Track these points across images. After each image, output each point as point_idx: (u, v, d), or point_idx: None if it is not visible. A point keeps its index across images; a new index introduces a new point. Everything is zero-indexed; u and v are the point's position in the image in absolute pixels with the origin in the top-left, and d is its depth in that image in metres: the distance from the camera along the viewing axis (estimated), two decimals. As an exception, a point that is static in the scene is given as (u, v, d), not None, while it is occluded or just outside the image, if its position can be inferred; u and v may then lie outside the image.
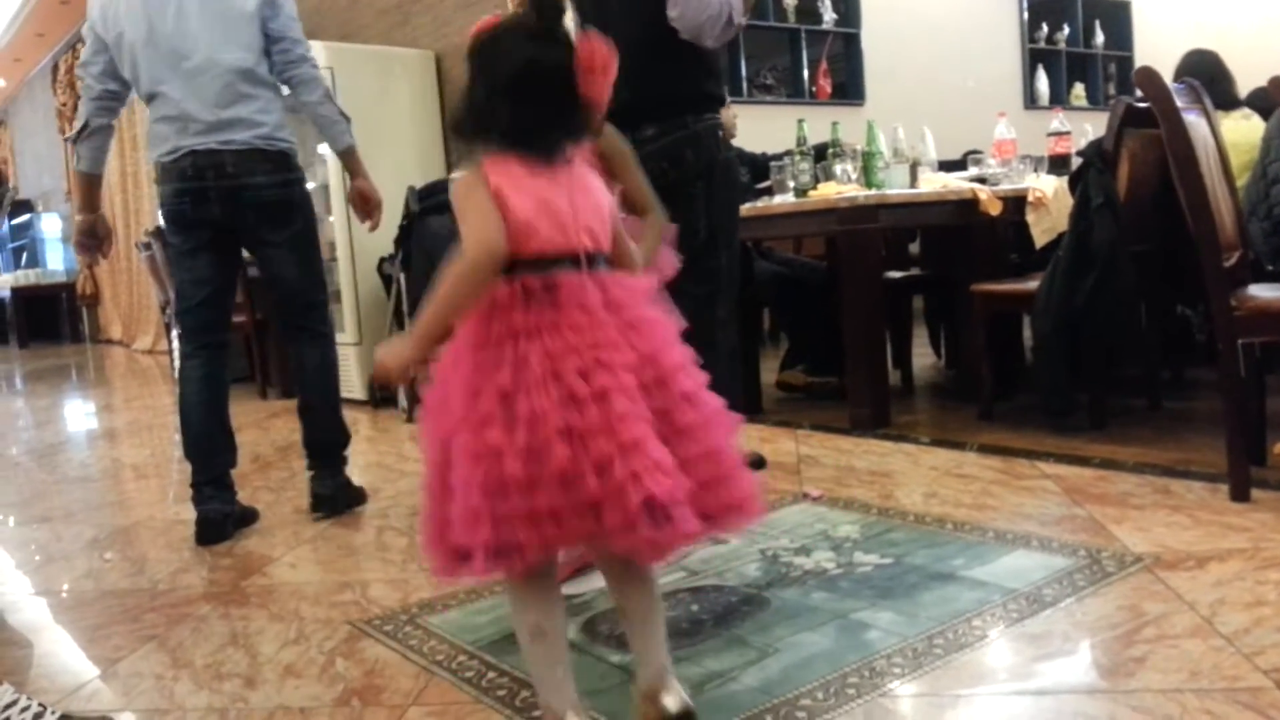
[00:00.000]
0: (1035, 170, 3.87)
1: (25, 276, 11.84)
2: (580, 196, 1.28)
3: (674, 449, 1.20)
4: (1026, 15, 7.68)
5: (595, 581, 2.04)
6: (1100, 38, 8.19)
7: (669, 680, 1.32)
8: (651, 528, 1.15)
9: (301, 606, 2.05)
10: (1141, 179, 2.98)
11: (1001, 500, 2.44)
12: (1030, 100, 7.63)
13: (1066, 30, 7.99)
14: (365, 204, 2.80)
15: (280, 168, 2.64)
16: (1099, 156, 2.92)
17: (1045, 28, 7.85)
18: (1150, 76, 2.21)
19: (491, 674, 1.64)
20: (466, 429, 1.19)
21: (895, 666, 1.56)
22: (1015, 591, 1.83)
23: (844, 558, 2.09)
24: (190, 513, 2.91)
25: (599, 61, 1.26)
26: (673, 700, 1.30)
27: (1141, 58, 7.99)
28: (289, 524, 2.73)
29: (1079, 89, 8.03)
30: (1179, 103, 2.22)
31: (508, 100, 1.25)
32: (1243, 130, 3.52)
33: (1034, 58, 7.76)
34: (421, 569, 2.23)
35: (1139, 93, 2.52)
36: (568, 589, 2.01)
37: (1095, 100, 8.00)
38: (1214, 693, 1.39)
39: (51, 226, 12.23)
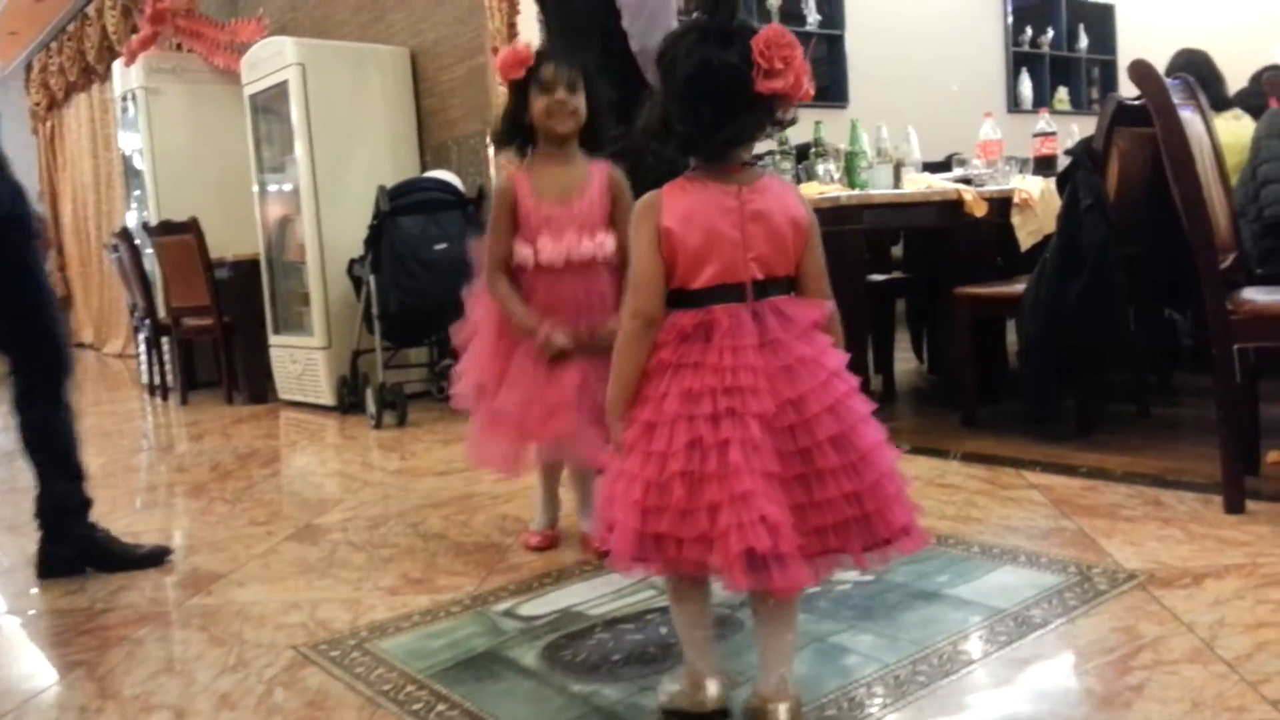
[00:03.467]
0: (1020, 171, 3.78)
1: (-5, 279, 11.61)
2: (754, 223, 1.30)
3: (812, 491, 1.26)
4: (1011, 19, 7.62)
5: (560, 601, 1.92)
6: (1084, 41, 8.14)
7: (786, 693, 1.35)
8: (748, 575, 1.21)
9: (245, 629, 1.92)
10: (1131, 179, 2.89)
11: (987, 512, 2.34)
12: (1014, 104, 7.57)
13: (1050, 34, 7.94)
14: None
15: None
16: (1088, 156, 2.83)
17: (1029, 31, 7.79)
18: (1145, 70, 2.12)
19: (441, 706, 1.51)
20: (624, 449, 1.32)
21: (875, 696, 1.45)
22: (1002, 611, 1.73)
23: (822, 574, 1.98)
24: (143, 526, 2.80)
25: (776, 56, 1.24)
26: (783, 715, 1.34)
27: (1125, 61, 7.92)
28: (242, 538, 2.60)
29: (1062, 93, 7.98)
30: (1174, 99, 2.12)
31: (682, 105, 1.28)
32: (1233, 131, 3.44)
33: (1018, 61, 7.70)
34: (376, 588, 2.11)
35: (1127, 92, 2.44)
36: (528, 610, 1.90)
37: (1079, 104, 7.94)
38: (1219, 727, 1.29)
39: (23, 228, 12.00)
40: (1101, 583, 1.82)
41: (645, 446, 1.28)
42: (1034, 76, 7.74)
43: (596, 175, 2.11)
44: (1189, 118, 2.17)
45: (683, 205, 1.31)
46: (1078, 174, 2.82)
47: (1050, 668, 1.52)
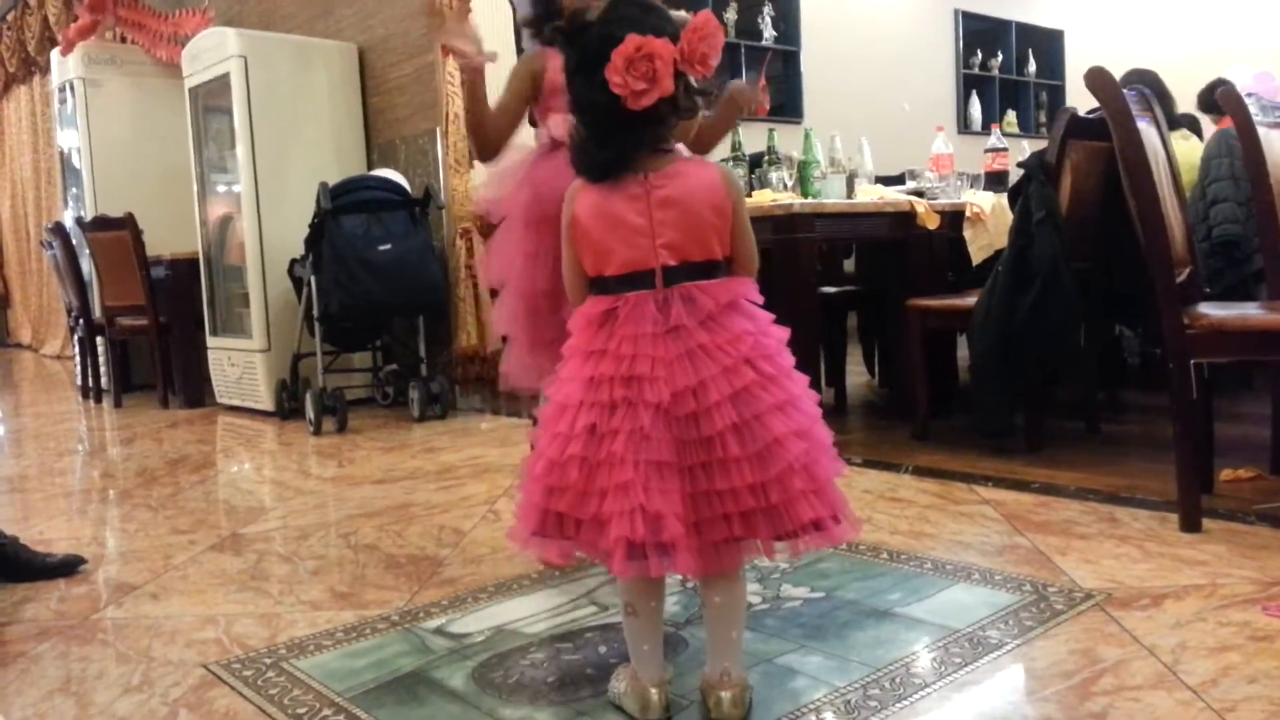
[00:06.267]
0: (972, 186, 3.76)
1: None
2: (662, 209, 1.28)
3: (713, 479, 1.24)
4: (961, 42, 7.70)
5: (494, 618, 1.82)
6: (1033, 66, 8.26)
7: (728, 682, 1.36)
8: (627, 562, 1.22)
9: (154, 645, 1.79)
10: (1084, 193, 2.87)
11: (939, 527, 2.28)
12: (964, 125, 7.64)
13: (1000, 57, 8.05)
14: None
15: None
16: (1041, 169, 2.80)
17: (980, 54, 7.89)
18: (1103, 77, 2.08)
19: (359, 730, 1.40)
20: (539, 428, 1.35)
21: (825, 722, 1.37)
22: (956, 632, 1.66)
23: (770, 590, 1.90)
24: (57, 533, 2.64)
25: (634, 78, 1.21)
26: (726, 702, 1.35)
27: (1073, 87, 8.05)
28: (162, 547, 2.45)
29: (1011, 116, 8.08)
30: (1132, 109, 2.09)
31: (578, 124, 1.32)
32: (1183, 151, 3.45)
33: (968, 84, 7.79)
34: (299, 602, 1.98)
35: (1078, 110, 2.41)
36: (460, 627, 1.79)
37: (1026, 127, 8.05)
38: (1183, 756, 1.23)
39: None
40: (1058, 602, 1.76)
41: (553, 426, 1.30)
42: (983, 99, 7.84)
43: None
44: (1145, 129, 2.13)
45: (591, 195, 1.32)
46: (1030, 187, 2.79)
47: (1008, 693, 1.45)
